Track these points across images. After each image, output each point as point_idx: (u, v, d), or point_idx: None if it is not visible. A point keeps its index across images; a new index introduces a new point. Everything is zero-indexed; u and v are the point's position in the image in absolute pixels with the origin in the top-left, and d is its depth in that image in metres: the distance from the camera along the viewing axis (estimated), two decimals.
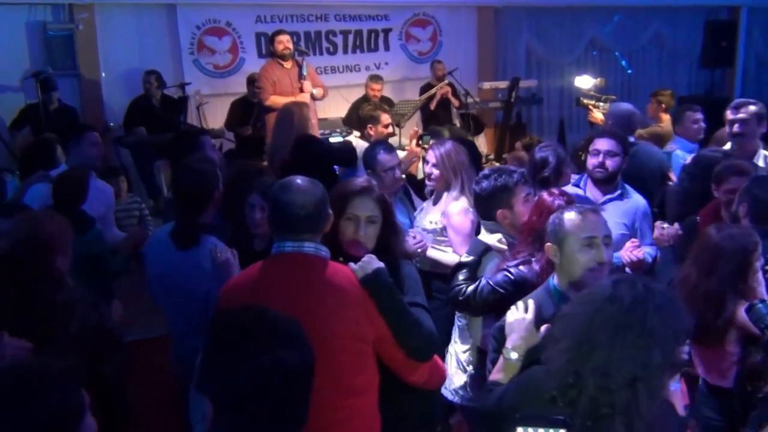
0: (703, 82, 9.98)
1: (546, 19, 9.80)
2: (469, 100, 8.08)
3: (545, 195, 2.78)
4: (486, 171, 3.02)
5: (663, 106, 6.27)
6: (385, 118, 4.90)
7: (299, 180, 2.18)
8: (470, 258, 2.86)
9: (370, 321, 2.10)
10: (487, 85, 8.62)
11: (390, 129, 4.99)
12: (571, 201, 2.74)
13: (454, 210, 3.45)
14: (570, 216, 2.22)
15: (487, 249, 2.85)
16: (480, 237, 2.97)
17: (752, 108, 4.08)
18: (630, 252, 3.26)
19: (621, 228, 3.46)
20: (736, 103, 4.20)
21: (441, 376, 2.45)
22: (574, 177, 3.85)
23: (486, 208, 2.94)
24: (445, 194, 3.59)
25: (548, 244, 2.28)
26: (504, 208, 2.88)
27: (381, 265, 2.17)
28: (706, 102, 7.28)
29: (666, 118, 6.12)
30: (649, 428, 1.57)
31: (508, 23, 9.60)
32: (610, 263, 2.21)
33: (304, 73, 6.13)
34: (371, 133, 4.82)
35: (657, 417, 1.60)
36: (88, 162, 4.05)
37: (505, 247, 2.84)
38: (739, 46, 10.02)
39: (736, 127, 4.09)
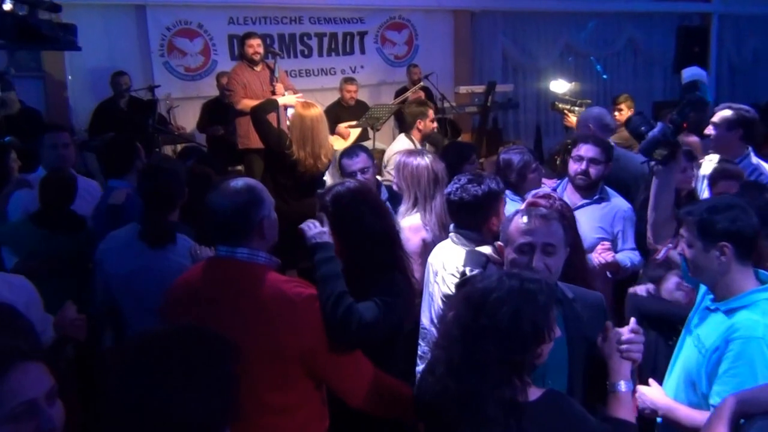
0: (677, 87, 10.11)
1: (522, 23, 9.90)
2: (446, 104, 8.07)
3: (541, 200, 2.76)
4: (462, 179, 2.90)
5: (628, 111, 6.33)
6: (431, 112, 5.25)
7: (231, 183, 2.14)
8: (475, 271, 2.77)
9: (294, 333, 1.99)
10: (463, 89, 8.63)
11: (435, 123, 5.35)
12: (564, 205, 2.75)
13: (404, 225, 3.32)
14: (516, 219, 2.18)
15: (488, 260, 2.71)
16: (478, 248, 2.79)
17: (723, 114, 4.11)
18: (599, 254, 3.25)
19: (598, 232, 3.45)
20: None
21: (395, 399, 2.22)
22: (549, 182, 3.84)
23: (476, 216, 2.84)
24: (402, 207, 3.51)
25: (499, 244, 2.28)
26: (493, 216, 2.84)
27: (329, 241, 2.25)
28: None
29: None
30: (533, 420, 1.62)
31: (484, 27, 9.66)
32: (550, 272, 2.08)
33: (276, 76, 6.07)
34: (420, 127, 5.12)
35: (540, 408, 1.65)
36: (61, 163, 3.98)
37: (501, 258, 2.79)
38: (711, 51, 10.18)
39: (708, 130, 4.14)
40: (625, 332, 1.90)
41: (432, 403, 1.74)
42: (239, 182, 2.16)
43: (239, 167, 6.73)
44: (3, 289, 2.35)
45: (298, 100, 5.34)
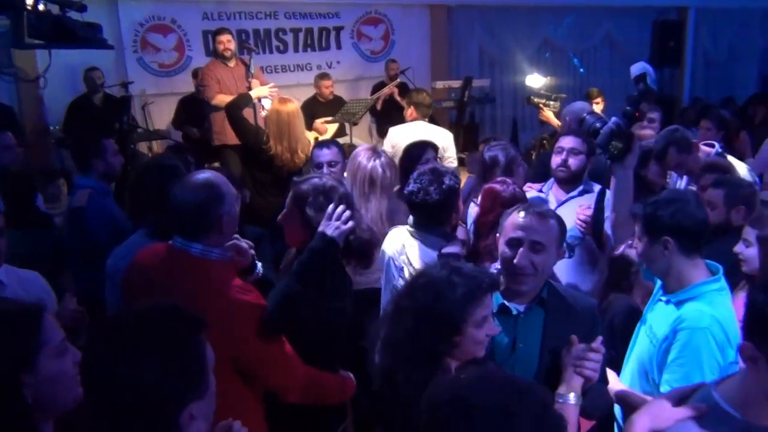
0: (654, 81, 10.27)
1: (499, 18, 9.98)
2: None
3: (495, 185, 2.84)
4: (423, 179, 2.90)
5: (600, 105, 6.46)
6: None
7: (194, 177, 2.19)
8: None
9: (224, 337, 1.96)
10: (440, 84, 8.72)
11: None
12: (520, 190, 2.83)
13: None
14: (514, 213, 2.24)
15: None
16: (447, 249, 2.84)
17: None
18: (578, 215, 3.31)
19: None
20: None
21: (326, 392, 2.42)
22: (535, 186, 3.90)
23: (440, 215, 2.89)
24: None
25: (498, 235, 2.33)
26: (454, 212, 2.91)
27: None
28: (657, 101, 7.53)
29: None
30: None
31: (461, 22, 9.74)
32: (536, 269, 2.12)
33: (252, 72, 6.13)
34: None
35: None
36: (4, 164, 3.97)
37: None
38: (687, 45, 10.38)
39: None
40: (581, 349, 1.93)
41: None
42: (201, 176, 2.19)
43: (216, 164, 6.78)
44: (14, 284, 2.40)
45: (272, 91, 5.42)
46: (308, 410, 2.38)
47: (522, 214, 2.20)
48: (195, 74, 7.26)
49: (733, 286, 2.67)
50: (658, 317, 2.29)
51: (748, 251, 2.71)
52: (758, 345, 1.34)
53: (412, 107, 5.15)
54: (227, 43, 6.34)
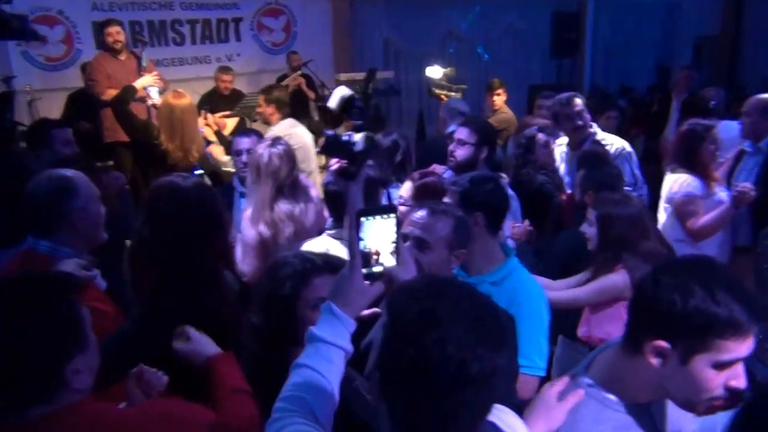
0: (554, 71, 10.68)
1: (403, 9, 10.07)
2: (326, 92, 8.19)
3: (428, 179, 2.95)
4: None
5: (503, 95, 6.66)
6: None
7: (48, 173, 2.15)
8: None
9: None
10: (343, 76, 8.74)
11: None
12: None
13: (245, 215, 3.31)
14: (417, 209, 2.31)
15: None
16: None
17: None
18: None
19: None
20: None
21: None
22: (439, 168, 3.99)
23: (339, 203, 2.91)
24: None
25: None
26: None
27: None
28: (557, 89, 7.83)
29: (505, 105, 6.53)
30: None
31: (364, 13, 9.80)
32: (425, 267, 2.17)
33: (144, 65, 5.98)
34: None
35: None
36: None
37: None
38: (586, 36, 10.80)
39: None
40: None
41: None
42: (56, 173, 2.16)
43: (110, 162, 6.59)
44: None
45: (156, 80, 5.31)
46: None
47: (415, 211, 2.28)
48: (84, 68, 7.02)
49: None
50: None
51: (590, 230, 2.94)
52: (670, 341, 1.38)
53: (272, 106, 5.08)
54: (116, 35, 6.17)
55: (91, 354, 1.54)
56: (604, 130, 4.59)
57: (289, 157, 3.31)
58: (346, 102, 2.68)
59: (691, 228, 3.84)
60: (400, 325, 1.23)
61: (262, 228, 3.06)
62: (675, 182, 4.04)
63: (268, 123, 5.14)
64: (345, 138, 2.59)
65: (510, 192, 3.64)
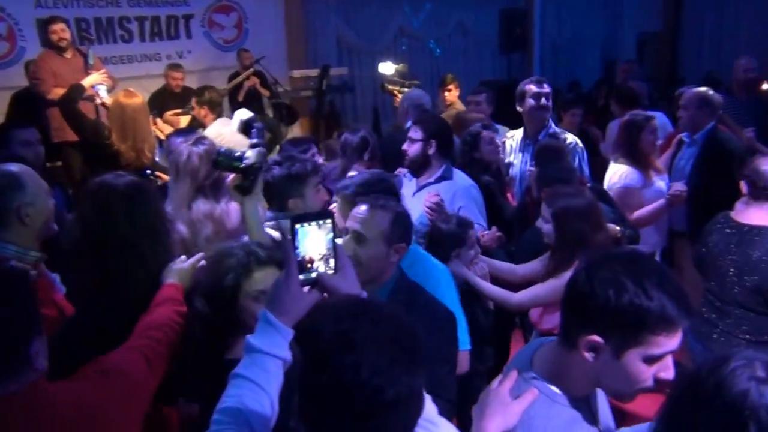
0: (504, 66, 10.86)
1: (355, 6, 10.13)
2: (279, 89, 8.19)
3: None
4: (277, 157, 3.07)
5: (456, 91, 6.72)
6: None
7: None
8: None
9: None
10: (297, 73, 8.77)
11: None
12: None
13: None
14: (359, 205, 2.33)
15: None
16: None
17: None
18: (426, 201, 3.41)
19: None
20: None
21: None
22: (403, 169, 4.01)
23: (277, 196, 2.95)
24: None
25: None
26: (296, 198, 2.95)
27: None
28: (507, 85, 8.00)
29: (458, 101, 6.61)
30: None
31: (316, 10, 9.79)
32: (360, 261, 2.20)
33: (91, 63, 5.87)
34: None
35: None
36: None
37: None
38: (533, 32, 11.01)
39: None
40: None
41: None
42: (4, 167, 2.14)
43: (58, 163, 6.46)
44: None
45: (104, 77, 5.23)
46: None
47: (362, 205, 2.30)
48: (28, 67, 6.85)
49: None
50: None
51: (546, 226, 2.99)
52: (604, 336, 1.41)
53: (205, 107, 5.07)
54: (61, 32, 6.05)
55: (44, 338, 1.60)
56: (567, 127, 4.68)
57: (210, 157, 3.20)
58: (245, 124, 2.81)
59: (629, 218, 4.00)
60: (315, 348, 1.20)
61: (181, 227, 2.95)
62: (615, 173, 4.25)
63: (203, 126, 5.08)
64: (237, 154, 2.65)
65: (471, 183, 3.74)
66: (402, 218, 2.30)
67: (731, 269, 3.07)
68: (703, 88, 4.59)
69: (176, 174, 3.05)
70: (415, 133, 3.72)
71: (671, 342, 1.38)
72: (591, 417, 1.55)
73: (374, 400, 1.14)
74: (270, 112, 8.31)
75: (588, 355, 1.43)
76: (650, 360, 1.39)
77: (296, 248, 1.43)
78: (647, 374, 1.41)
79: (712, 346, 3.13)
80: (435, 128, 3.79)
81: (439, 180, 3.70)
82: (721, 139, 4.39)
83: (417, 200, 3.50)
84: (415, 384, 1.20)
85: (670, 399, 1.25)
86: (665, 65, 12.53)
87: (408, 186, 3.78)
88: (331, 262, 1.47)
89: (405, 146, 3.76)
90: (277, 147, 7.69)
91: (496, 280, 3.28)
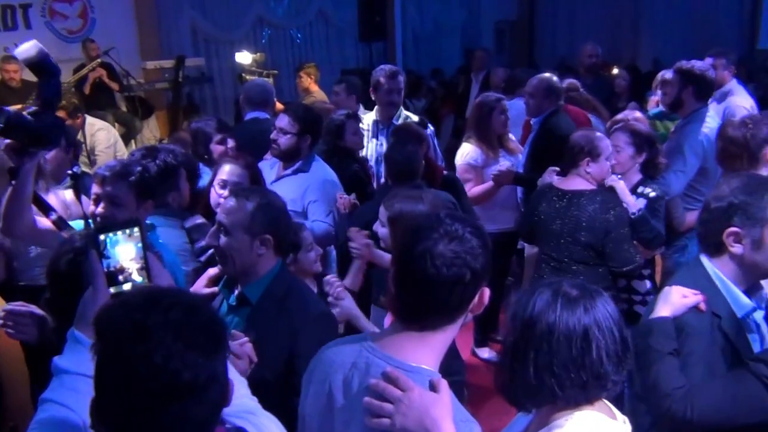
0: (367, 55, 10.97)
1: None
2: (132, 81, 7.88)
3: None
4: (136, 153, 2.98)
5: (312, 78, 6.78)
6: None
7: None
8: None
9: None
10: (151, 64, 8.48)
11: None
12: None
13: None
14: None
15: None
16: None
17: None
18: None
19: (289, 204, 3.61)
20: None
21: None
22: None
23: (157, 193, 2.81)
24: None
25: None
26: (173, 191, 2.92)
27: None
28: (370, 74, 8.09)
29: (316, 88, 6.66)
30: None
31: None
32: (227, 253, 2.22)
33: None
34: None
35: None
36: None
37: None
38: (394, 21, 11.21)
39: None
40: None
41: None
42: None
43: None
44: None
45: None
46: None
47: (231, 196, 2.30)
48: None
49: None
50: None
51: (381, 230, 2.82)
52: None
53: (62, 113, 4.78)
54: None
55: None
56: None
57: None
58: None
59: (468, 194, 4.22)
60: (107, 341, 1.15)
61: None
62: (460, 152, 4.52)
63: None
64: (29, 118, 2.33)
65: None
66: (267, 208, 2.25)
67: (564, 231, 3.36)
68: (546, 75, 4.76)
69: None
70: (289, 125, 3.68)
71: None
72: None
73: (171, 385, 1.10)
74: (123, 106, 7.99)
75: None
76: None
77: (107, 258, 1.38)
78: None
79: None
80: (311, 122, 3.78)
81: (296, 172, 3.74)
82: (553, 122, 4.57)
83: (276, 189, 3.48)
84: (216, 369, 1.17)
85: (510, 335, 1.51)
86: (524, 52, 13.15)
87: (269, 174, 3.79)
88: (145, 271, 1.42)
89: (274, 135, 3.73)
90: (133, 141, 7.51)
91: None
